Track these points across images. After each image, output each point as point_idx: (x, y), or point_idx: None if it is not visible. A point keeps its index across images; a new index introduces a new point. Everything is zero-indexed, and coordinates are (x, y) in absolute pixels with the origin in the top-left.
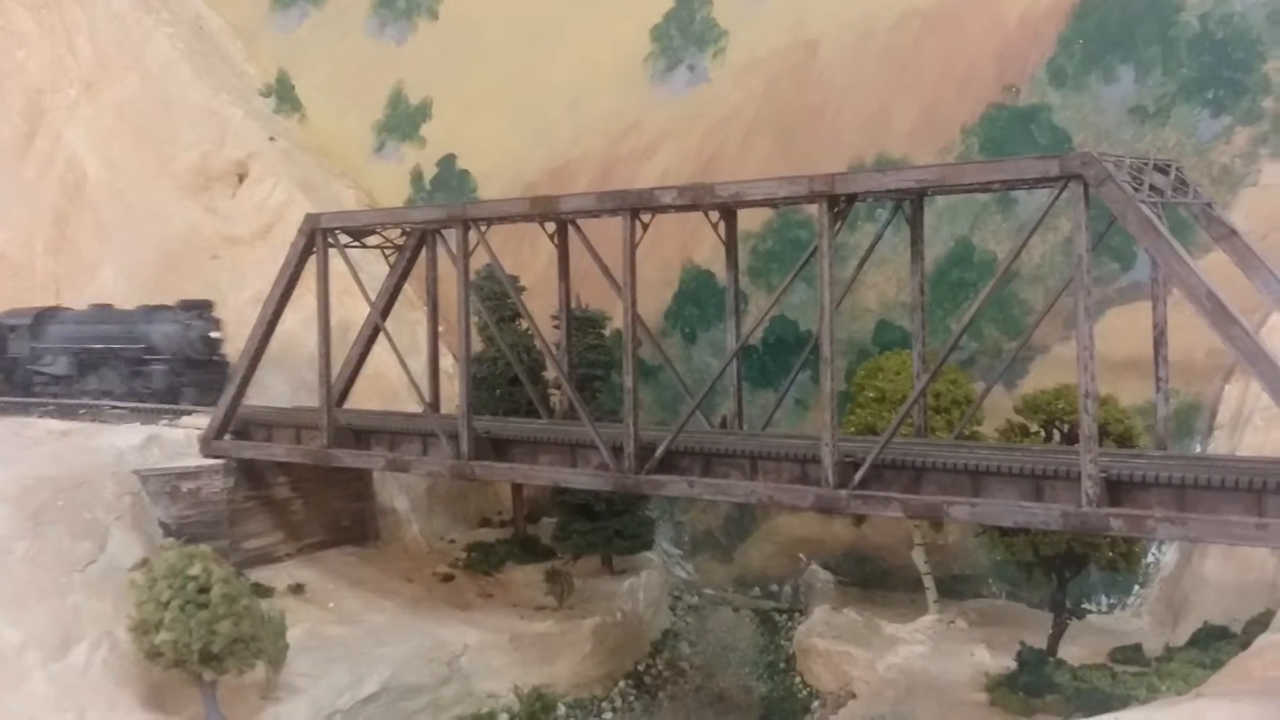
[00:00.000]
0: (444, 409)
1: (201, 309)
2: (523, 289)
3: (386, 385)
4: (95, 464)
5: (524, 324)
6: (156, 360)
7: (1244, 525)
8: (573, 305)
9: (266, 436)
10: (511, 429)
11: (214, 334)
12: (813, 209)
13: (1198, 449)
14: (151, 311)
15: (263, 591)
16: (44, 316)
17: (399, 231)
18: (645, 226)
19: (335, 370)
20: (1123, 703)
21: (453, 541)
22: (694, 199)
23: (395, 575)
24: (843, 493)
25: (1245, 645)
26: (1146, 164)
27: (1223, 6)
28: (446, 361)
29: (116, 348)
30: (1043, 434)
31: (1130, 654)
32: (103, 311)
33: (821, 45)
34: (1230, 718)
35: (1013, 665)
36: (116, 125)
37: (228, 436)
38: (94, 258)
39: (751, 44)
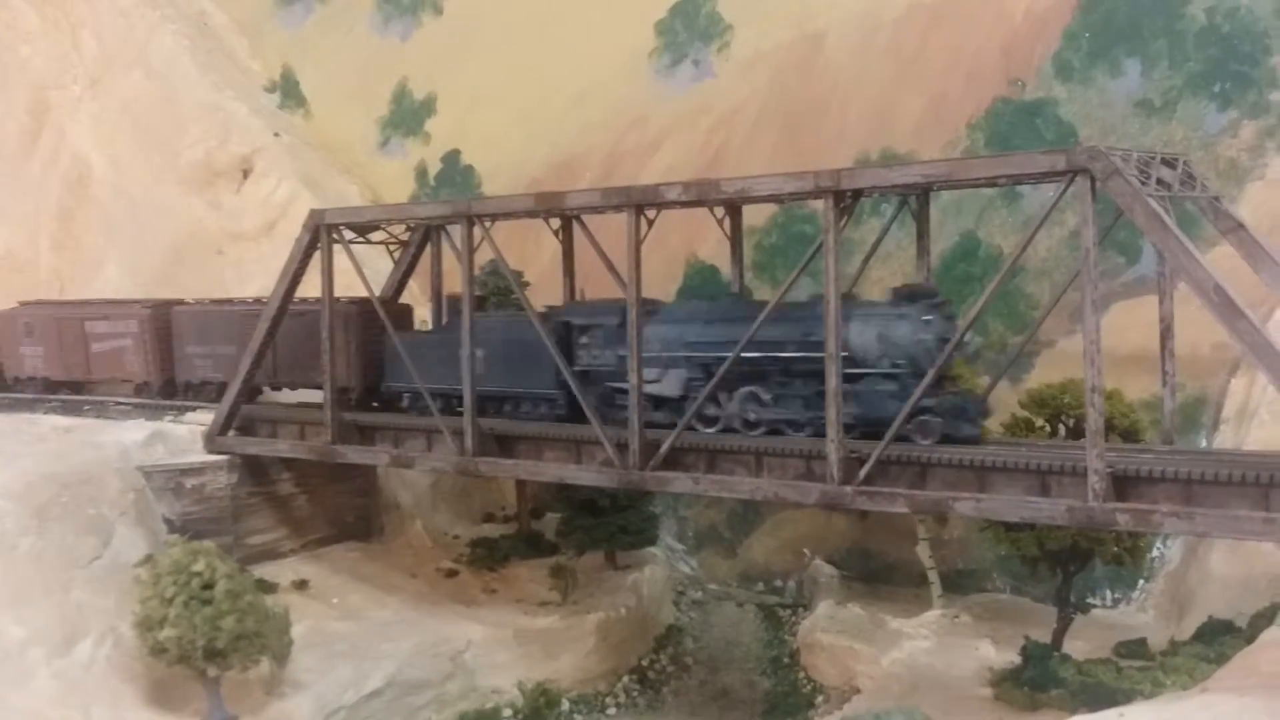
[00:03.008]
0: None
1: (932, 299)
2: (527, 284)
3: None
4: (100, 460)
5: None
6: (869, 376)
7: (1251, 520)
8: (577, 301)
9: (271, 432)
10: (516, 425)
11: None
12: (818, 204)
13: (1203, 444)
14: (846, 304)
15: (267, 587)
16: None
17: (403, 227)
18: (650, 222)
19: None
20: (1128, 697)
21: (457, 537)
22: (699, 195)
23: (399, 571)
24: (848, 489)
25: (1250, 640)
26: (1154, 158)
27: (1229, 0)
28: None
29: (784, 357)
30: (1048, 429)
31: (1135, 648)
32: (751, 305)
33: (827, 39)
34: (1237, 712)
35: (1017, 660)
36: (121, 121)
37: (232, 432)
38: (99, 254)
39: (756, 38)
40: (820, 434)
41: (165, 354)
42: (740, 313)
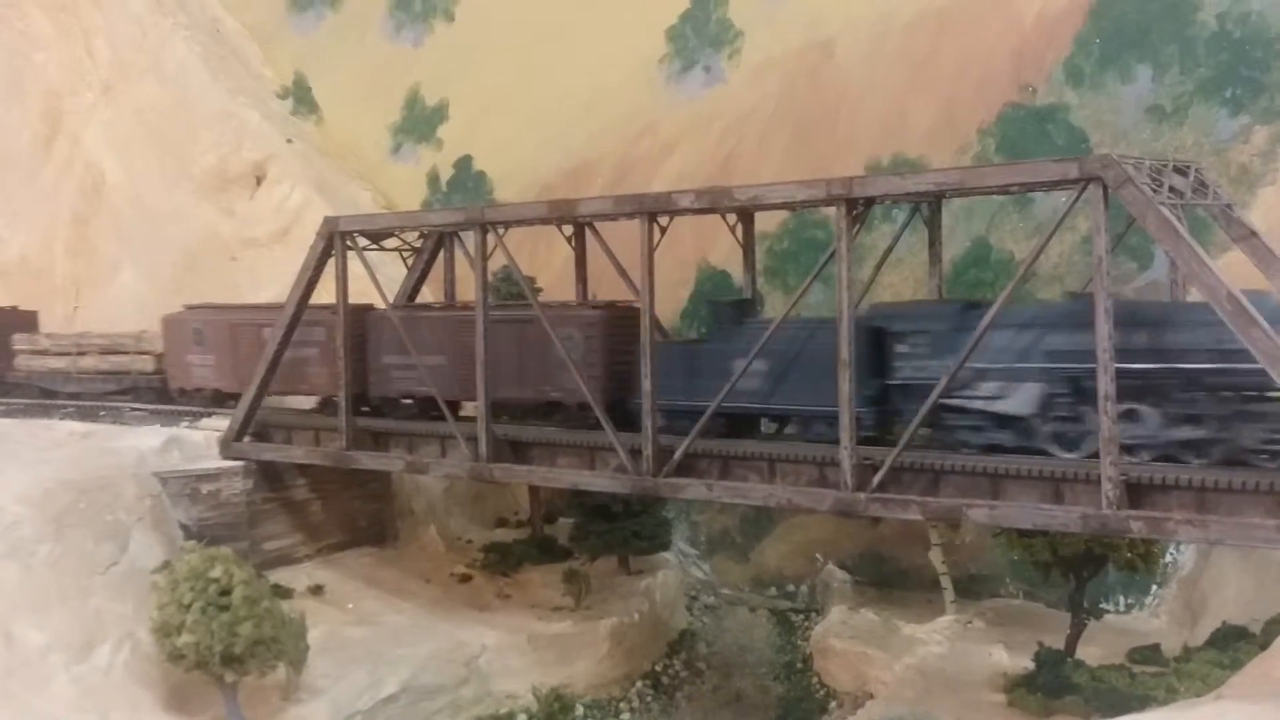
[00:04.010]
0: (461, 410)
1: None
2: (540, 290)
3: None
4: (116, 466)
5: None
6: None
7: (1264, 528)
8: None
9: (286, 438)
10: (529, 431)
11: None
12: (830, 210)
13: None
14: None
15: (283, 593)
16: (973, 312)
17: (417, 234)
18: (663, 229)
19: None
20: (1142, 703)
21: (470, 542)
22: (712, 202)
23: (414, 576)
24: (861, 495)
25: (1264, 645)
26: (1166, 165)
27: (1240, 5)
28: None
29: (1188, 369)
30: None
31: (1148, 654)
32: (1127, 305)
33: (837, 45)
34: (1252, 719)
35: (1031, 665)
36: (135, 128)
37: (247, 439)
38: (113, 260)
39: (767, 44)
40: (1233, 462)
41: (358, 365)
42: (1140, 315)
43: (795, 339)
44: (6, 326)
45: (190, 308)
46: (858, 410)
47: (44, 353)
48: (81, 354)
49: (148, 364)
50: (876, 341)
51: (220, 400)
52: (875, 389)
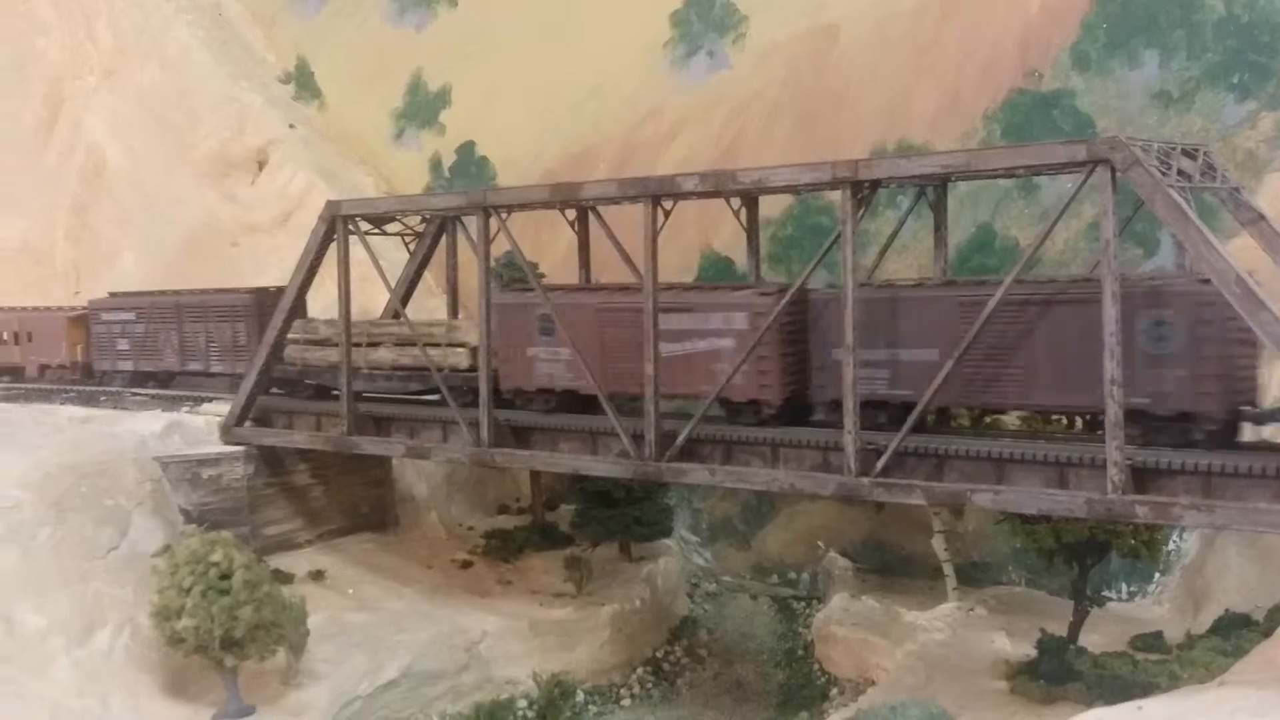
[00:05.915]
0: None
1: None
2: (542, 275)
3: None
4: (117, 451)
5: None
6: None
7: (1271, 512)
8: None
9: (287, 423)
10: (532, 416)
11: None
12: (834, 195)
13: None
14: None
15: (283, 578)
16: None
17: (419, 218)
18: (667, 214)
19: None
20: (1144, 691)
21: (471, 528)
22: (716, 186)
23: (414, 562)
24: (865, 480)
25: (1268, 633)
26: (1174, 149)
27: None
28: None
29: None
30: (1065, 421)
31: (1151, 642)
32: None
33: (842, 30)
34: (1254, 705)
35: (1033, 653)
36: (136, 113)
37: (248, 424)
38: (114, 245)
39: (771, 29)
40: None
41: (794, 360)
42: None
43: None
44: (273, 311)
45: (523, 288)
46: None
47: (323, 343)
48: (374, 345)
49: (461, 359)
50: None
51: (574, 405)
52: None
